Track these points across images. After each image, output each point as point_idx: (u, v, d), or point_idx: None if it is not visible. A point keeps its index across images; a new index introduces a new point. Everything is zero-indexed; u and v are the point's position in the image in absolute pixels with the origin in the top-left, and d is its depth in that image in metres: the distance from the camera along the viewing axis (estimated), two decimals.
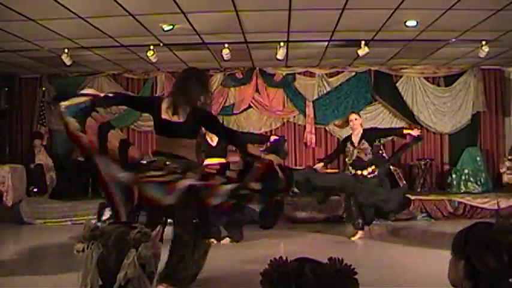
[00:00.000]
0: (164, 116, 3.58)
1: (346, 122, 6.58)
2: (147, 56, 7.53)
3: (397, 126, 9.41)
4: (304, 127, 9.49)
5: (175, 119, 3.56)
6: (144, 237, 1.46)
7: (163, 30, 6.46)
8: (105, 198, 4.07)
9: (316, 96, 9.46)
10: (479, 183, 8.64)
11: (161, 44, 7.30)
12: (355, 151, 6.13)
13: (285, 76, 9.48)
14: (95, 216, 7.12)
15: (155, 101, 3.77)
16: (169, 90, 3.71)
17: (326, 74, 9.51)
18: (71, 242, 1.60)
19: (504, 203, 7.52)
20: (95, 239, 1.46)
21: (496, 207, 7.51)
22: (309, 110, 9.37)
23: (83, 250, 1.45)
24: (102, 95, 3.64)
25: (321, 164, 6.56)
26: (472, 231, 1.50)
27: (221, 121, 9.31)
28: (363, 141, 6.13)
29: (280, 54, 7.54)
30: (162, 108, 3.59)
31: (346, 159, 6.33)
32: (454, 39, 7.22)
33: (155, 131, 3.72)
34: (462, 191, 8.46)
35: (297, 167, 9.33)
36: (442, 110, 9.34)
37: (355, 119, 6.27)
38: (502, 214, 7.27)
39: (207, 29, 6.58)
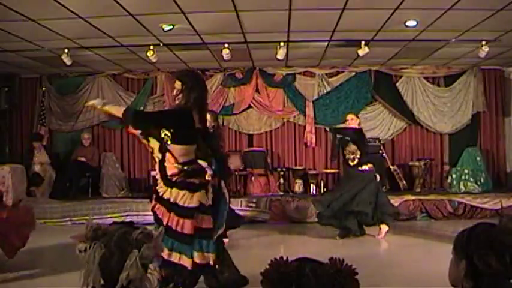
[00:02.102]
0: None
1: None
2: (147, 56, 7.53)
3: (397, 126, 9.47)
4: (304, 127, 9.49)
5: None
6: (146, 238, 1.46)
7: (163, 30, 6.46)
8: None
9: (316, 96, 9.46)
10: (479, 183, 8.64)
11: (161, 44, 7.30)
12: None
13: (285, 76, 9.48)
14: (94, 216, 7.12)
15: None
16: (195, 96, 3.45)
17: (326, 74, 9.51)
18: (71, 242, 1.60)
19: (504, 203, 7.52)
20: (98, 239, 1.46)
21: (496, 207, 7.52)
22: (309, 110, 9.37)
23: (85, 250, 1.45)
24: None
25: None
26: (475, 232, 1.50)
27: (221, 121, 9.33)
28: None
29: (280, 54, 7.54)
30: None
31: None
32: (454, 39, 7.22)
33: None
34: (462, 191, 8.46)
35: (297, 167, 9.36)
36: (442, 110, 9.34)
37: (352, 119, 6.31)
38: (504, 214, 7.27)
39: (207, 29, 6.58)
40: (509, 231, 1.45)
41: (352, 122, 6.31)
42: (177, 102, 3.53)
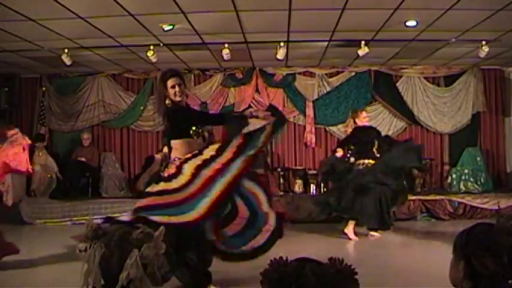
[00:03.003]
0: None
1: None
2: (147, 56, 7.53)
3: (397, 126, 9.46)
4: (304, 127, 9.49)
5: None
6: (146, 238, 1.46)
7: (163, 30, 6.46)
8: None
9: (316, 96, 9.45)
10: (479, 183, 8.64)
11: (161, 44, 7.30)
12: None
13: (285, 76, 9.48)
14: (95, 216, 7.11)
15: None
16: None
17: (326, 74, 9.51)
18: (71, 242, 1.61)
19: (504, 203, 7.51)
20: (98, 239, 1.46)
21: (496, 207, 7.52)
22: (309, 110, 9.37)
23: (86, 250, 1.45)
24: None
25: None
26: (473, 232, 1.50)
27: None
28: None
29: (280, 54, 7.54)
30: None
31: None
32: (454, 39, 7.22)
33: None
34: (462, 191, 8.46)
35: (297, 167, 9.36)
36: (442, 110, 9.34)
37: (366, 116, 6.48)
38: (503, 214, 7.25)
39: (207, 29, 6.58)
40: (506, 231, 1.45)
41: (366, 119, 6.45)
42: (179, 98, 3.69)
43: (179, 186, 3.40)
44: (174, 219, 3.23)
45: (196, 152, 3.57)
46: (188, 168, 3.45)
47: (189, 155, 3.55)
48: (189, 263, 3.64)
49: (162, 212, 3.27)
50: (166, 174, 3.55)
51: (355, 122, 6.42)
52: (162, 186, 3.46)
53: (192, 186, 3.38)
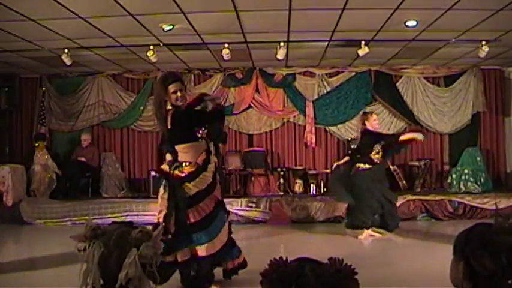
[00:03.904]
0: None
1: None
2: (147, 56, 7.53)
3: (397, 126, 9.45)
4: (304, 127, 9.49)
5: None
6: (145, 237, 1.46)
7: (163, 30, 6.46)
8: None
9: (316, 96, 9.45)
10: (479, 183, 8.63)
11: (161, 44, 7.30)
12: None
13: (285, 76, 9.48)
14: (95, 216, 7.11)
15: None
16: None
17: (326, 74, 9.51)
18: (71, 242, 1.61)
19: (504, 203, 7.52)
20: (97, 238, 1.46)
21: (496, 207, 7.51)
22: (309, 110, 9.37)
23: (84, 249, 1.45)
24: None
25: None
26: (472, 233, 1.49)
27: None
28: None
29: (280, 54, 7.54)
30: None
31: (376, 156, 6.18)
32: (454, 39, 7.22)
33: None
34: (462, 191, 8.45)
35: (297, 167, 9.36)
36: (442, 110, 9.34)
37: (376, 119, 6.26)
38: (501, 214, 7.24)
39: (207, 29, 6.58)
40: (504, 230, 1.44)
41: (376, 121, 6.25)
42: (180, 103, 3.63)
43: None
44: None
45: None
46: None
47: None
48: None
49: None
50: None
51: (364, 124, 6.17)
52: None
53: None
